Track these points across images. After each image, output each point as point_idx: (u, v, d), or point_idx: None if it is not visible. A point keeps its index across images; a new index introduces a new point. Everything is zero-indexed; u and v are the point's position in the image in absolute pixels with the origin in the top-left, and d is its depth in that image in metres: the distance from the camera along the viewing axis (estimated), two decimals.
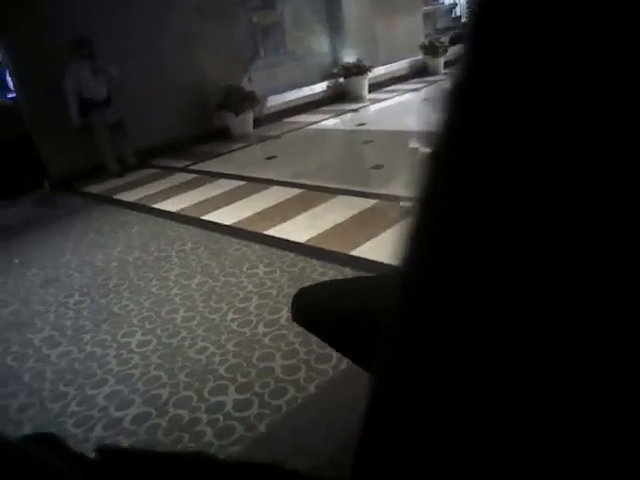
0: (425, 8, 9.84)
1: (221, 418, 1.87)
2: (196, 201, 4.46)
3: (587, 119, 0.21)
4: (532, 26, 0.22)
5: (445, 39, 8.95)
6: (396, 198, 3.54)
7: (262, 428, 1.78)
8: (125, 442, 1.84)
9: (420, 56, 9.03)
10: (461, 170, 0.25)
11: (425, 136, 0.26)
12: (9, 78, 6.19)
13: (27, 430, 1.98)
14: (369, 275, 2.26)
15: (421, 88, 8.08)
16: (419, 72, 9.02)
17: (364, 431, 0.31)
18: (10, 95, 6.46)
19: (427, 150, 0.26)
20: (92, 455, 0.53)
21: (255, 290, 2.73)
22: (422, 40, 9.10)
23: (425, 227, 0.27)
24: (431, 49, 8.83)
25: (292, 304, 0.97)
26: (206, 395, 2.00)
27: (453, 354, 0.25)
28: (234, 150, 6.27)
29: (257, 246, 3.27)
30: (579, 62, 0.21)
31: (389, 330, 0.29)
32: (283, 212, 3.79)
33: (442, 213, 0.26)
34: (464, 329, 0.25)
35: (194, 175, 5.37)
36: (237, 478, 0.47)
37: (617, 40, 0.20)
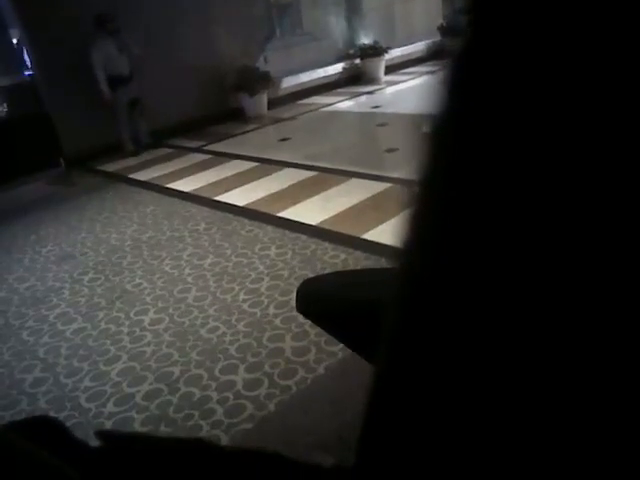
0: None
1: (231, 397, 1.89)
2: (210, 181, 4.47)
3: (584, 98, 0.20)
4: (530, 9, 0.21)
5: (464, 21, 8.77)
6: (410, 182, 3.51)
7: (271, 407, 1.81)
8: (137, 418, 1.87)
9: (438, 38, 8.88)
10: (460, 154, 0.24)
11: (433, 119, 0.26)
12: (26, 56, 6.21)
13: (41, 403, 2.03)
14: (375, 267, 2.26)
15: (438, 71, 7.96)
16: (437, 54, 8.88)
17: (365, 424, 0.31)
18: (27, 73, 6.48)
19: (427, 132, 0.26)
20: (92, 440, 0.54)
21: (267, 271, 2.74)
22: (440, 21, 8.94)
23: (424, 212, 0.27)
24: (449, 31, 8.68)
25: (296, 295, 0.97)
26: (217, 374, 2.03)
27: (451, 342, 0.25)
28: (248, 131, 6.25)
29: (269, 227, 3.27)
30: (574, 45, 0.20)
31: (389, 317, 0.29)
32: (296, 194, 3.79)
33: (441, 197, 0.25)
34: (463, 318, 0.24)
35: (208, 156, 5.37)
36: (237, 465, 0.47)
37: (615, 31, 0.20)
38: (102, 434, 0.48)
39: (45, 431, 0.46)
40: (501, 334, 0.23)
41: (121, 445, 0.49)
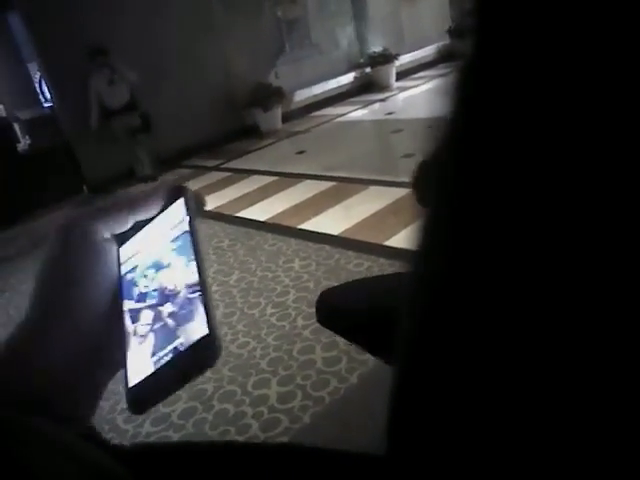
0: None
1: (265, 411, 1.90)
2: (230, 198, 4.51)
3: (589, 104, 0.20)
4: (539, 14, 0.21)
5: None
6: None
7: (306, 419, 1.81)
8: (174, 436, 1.89)
9: (447, 41, 8.87)
10: (473, 157, 0.24)
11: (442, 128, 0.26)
12: (46, 89, 6.38)
13: None
14: (390, 273, 2.23)
15: (449, 73, 7.94)
16: (447, 57, 8.86)
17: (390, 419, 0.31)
18: (47, 105, 6.65)
19: (438, 141, 0.26)
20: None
21: (292, 284, 2.75)
22: (448, 24, 8.93)
23: (438, 215, 0.27)
24: (458, 33, 8.66)
25: (316, 308, 0.96)
26: (249, 389, 2.04)
27: (468, 346, 0.25)
28: (264, 146, 6.31)
29: (292, 240, 3.29)
30: (581, 53, 0.20)
31: (404, 321, 0.28)
32: (316, 205, 3.80)
33: (454, 201, 0.25)
34: (480, 322, 0.24)
35: (227, 173, 5.43)
36: (279, 461, 0.46)
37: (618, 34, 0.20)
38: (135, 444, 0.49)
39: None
40: (516, 337, 0.23)
41: (155, 448, 0.49)
